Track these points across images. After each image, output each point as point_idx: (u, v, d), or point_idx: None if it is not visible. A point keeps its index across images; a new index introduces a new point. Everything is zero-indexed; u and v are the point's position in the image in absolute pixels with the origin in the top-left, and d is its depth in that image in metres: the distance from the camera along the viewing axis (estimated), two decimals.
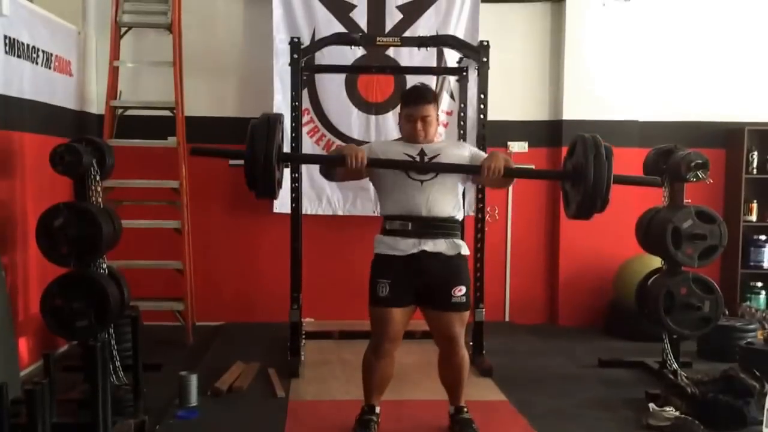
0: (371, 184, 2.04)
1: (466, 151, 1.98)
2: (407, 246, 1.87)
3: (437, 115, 1.99)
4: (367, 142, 3.49)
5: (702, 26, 3.53)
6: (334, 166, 1.96)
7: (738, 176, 3.50)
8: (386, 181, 1.92)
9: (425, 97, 1.94)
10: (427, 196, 1.86)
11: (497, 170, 1.82)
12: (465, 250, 1.94)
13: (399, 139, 2.04)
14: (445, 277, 1.88)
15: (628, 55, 3.47)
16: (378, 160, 1.89)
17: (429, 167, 1.86)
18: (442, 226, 1.88)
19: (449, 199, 1.89)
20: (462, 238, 2.00)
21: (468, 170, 1.93)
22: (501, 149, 3.46)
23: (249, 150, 1.82)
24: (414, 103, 1.93)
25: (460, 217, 1.95)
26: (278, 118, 1.89)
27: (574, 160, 1.96)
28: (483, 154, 1.99)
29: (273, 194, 1.91)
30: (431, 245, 1.86)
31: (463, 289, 1.90)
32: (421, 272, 1.88)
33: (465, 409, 2.01)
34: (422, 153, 1.89)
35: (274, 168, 1.83)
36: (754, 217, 3.53)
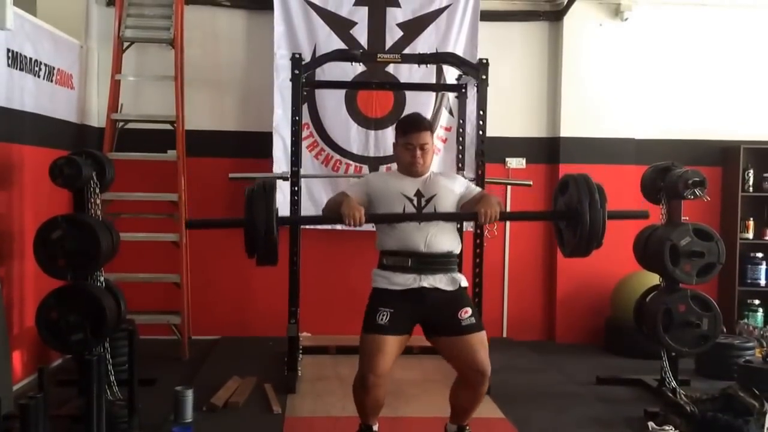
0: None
1: (459, 188, 1.95)
2: (406, 280, 1.85)
3: (433, 142, 1.99)
4: (365, 156, 3.57)
5: (698, 46, 3.59)
6: (332, 223, 1.97)
7: (734, 194, 3.53)
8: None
9: (423, 124, 1.94)
10: (425, 234, 1.85)
11: (493, 216, 1.81)
12: (464, 283, 1.92)
13: (395, 171, 2.01)
14: (447, 304, 1.85)
15: (625, 73, 3.52)
16: (376, 216, 1.89)
17: (425, 217, 1.86)
18: (441, 262, 1.87)
19: (448, 236, 1.89)
20: (460, 269, 1.98)
21: (465, 218, 1.94)
22: (499, 165, 3.51)
23: (248, 221, 1.82)
24: (412, 131, 1.91)
25: (458, 250, 1.92)
26: (273, 184, 1.89)
27: (567, 201, 1.95)
28: (475, 189, 1.98)
29: (274, 262, 1.90)
30: (430, 280, 1.85)
31: (469, 310, 1.86)
32: (422, 302, 1.85)
33: (467, 429, 1.96)
34: (419, 194, 1.88)
35: (275, 239, 1.83)
36: (750, 235, 3.55)
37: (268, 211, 1.81)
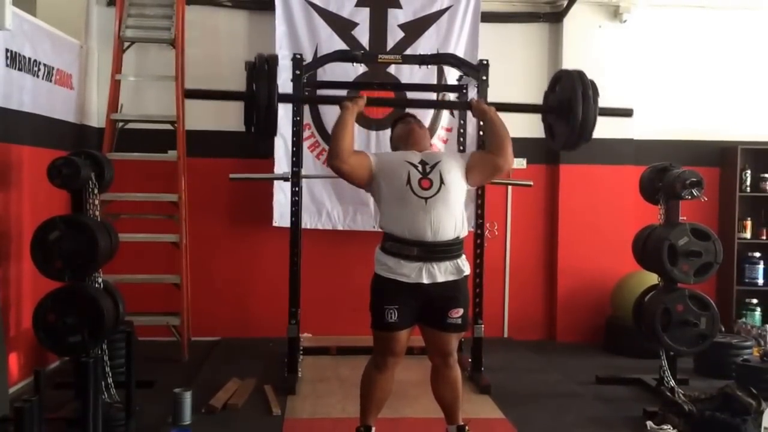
0: (371, 198, 2.05)
1: (461, 156, 2.06)
2: (411, 270, 1.84)
3: (429, 139, 2.08)
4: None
5: (696, 47, 3.62)
6: (335, 104, 2.00)
7: (732, 194, 3.55)
8: (389, 192, 1.88)
9: (415, 116, 2.09)
10: (431, 216, 1.83)
11: (485, 107, 1.95)
12: (467, 270, 1.92)
13: (397, 151, 2.03)
14: (445, 299, 1.87)
15: (623, 75, 3.53)
16: (375, 99, 1.96)
17: (418, 104, 1.98)
18: (448, 250, 1.87)
19: (455, 217, 1.88)
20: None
21: (457, 106, 1.97)
22: None
23: (249, 90, 1.80)
24: (405, 115, 2.08)
25: (464, 234, 1.92)
26: (276, 58, 1.90)
27: (560, 95, 2.00)
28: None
29: (273, 133, 1.91)
30: (436, 270, 1.85)
31: (461, 311, 1.89)
32: (424, 296, 1.87)
33: (466, 428, 1.98)
34: (423, 163, 1.90)
35: (275, 108, 1.82)
36: (748, 235, 3.58)
37: (269, 84, 1.78)
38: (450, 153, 2.11)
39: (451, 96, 3.37)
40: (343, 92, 3.37)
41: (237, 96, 1.90)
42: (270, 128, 1.88)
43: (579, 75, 2.02)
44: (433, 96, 3.35)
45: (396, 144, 2.04)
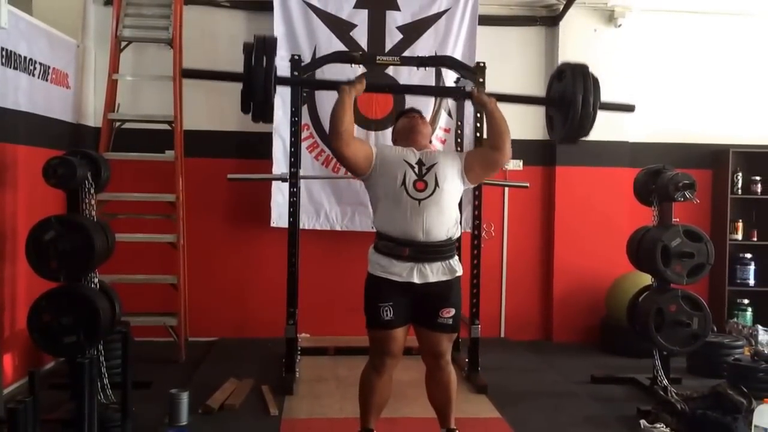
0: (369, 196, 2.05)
1: (458, 154, 2.05)
2: (402, 270, 1.85)
3: (431, 133, 2.10)
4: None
5: (689, 52, 3.66)
6: (333, 89, 2.00)
7: (724, 196, 3.60)
8: (383, 192, 1.89)
9: (419, 111, 2.10)
10: (424, 218, 1.84)
11: (487, 97, 1.95)
12: (460, 271, 1.92)
13: (397, 146, 2.04)
14: (436, 298, 1.87)
15: (618, 78, 3.57)
16: (374, 85, 1.96)
17: (416, 90, 1.98)
18: (440, 251, 1.87)
19: (447, 219, 1.88)
20: (459, 254, 2.02)
21: (451, 93, 2.00)
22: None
23: (247, 71, 1.79)
24: (409, 111, 2.09)
25: (458, 234, 1.93)
26: (274, 40, 1.89)
27: (562, 90, 2.02)
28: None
29: (270, 115, 1.91)
30: (428, 270, 1.86)
31: (452, 311, 1.88)
32: (416, 295, 1.88)
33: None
34: (421, 163, 1.89)
35: (272, 90, 1.82)
36: (739, 236, 3.63)
37: (267, 66, 1.78)
38: (448, 153, 2.07)
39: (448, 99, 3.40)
40: None
41: (235, 76, 1.88)
42: (266, 111, 1.87)
43: (581, 69, 2.02)
44: (430, 98, 3.37)
45: (397, 138, 2.05)
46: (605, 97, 3.80)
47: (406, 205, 1.85)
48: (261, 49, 1.83)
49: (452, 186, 1.90)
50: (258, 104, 1.85)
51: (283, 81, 2.19)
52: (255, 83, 1.80)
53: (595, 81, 2.00)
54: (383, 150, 1.97)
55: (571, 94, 1.97)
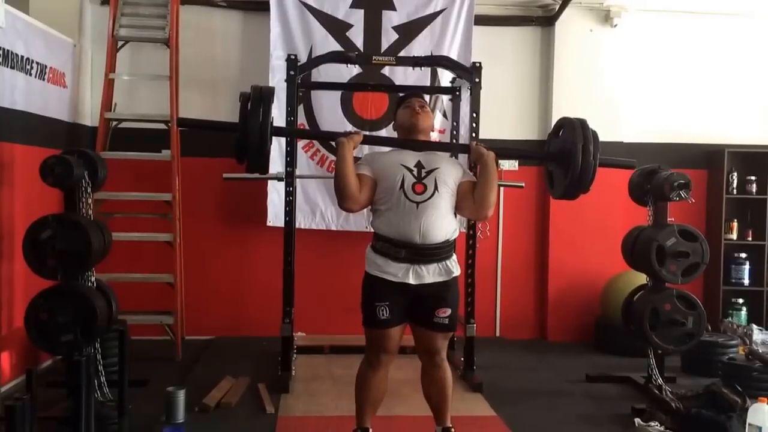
0: None
1: (460, 170, 1.98)
2: (398, 270, 1.85)
3: (432, 120, 2.06)
4: (361, 157, 3.56)
5: (685, 52, 3.68)
6: (330, 139, 1.99)
7: (719, 196, 3.61)
8: (381, 194, 1.88)
9: (420, 94, 2.07)
10: (422, 221, 1.83)
11: (486, 151, 1.91)
12: (457, 271, 1.92)
13: (393, 150, 2.03)
14: (433, 298, 1.88)
15: (614, 78, 3.59)
16: (370, 137, 1.92)
17: (421, 146, 1.89)
18: (436, 252, 1.86)
19: (444, 222, 1.87)
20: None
21: (458, 149, 1.97)
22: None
23: (242, 125, 1.77)
24: (410, 96, 2.04)
25: (454, 236, 1.92)
26: (271, 92, 1.86)
27: (561, 144, 2.00)
28: (470, 175, 2.02)
29: (265, 169, 1.89)
30: (424, 271, 1.85)
31: (448, 311, 1.89)
32: (412, 295, 1.88)
33: (452, 430, 1.98)
34: (420, 165, 1.88)
35: (268, 145, 1.80)
36: (734, 236, 3.65)
37: (263, 118, 1.75)
38: (452, 161, 2.01)
39: (445, 98, 3.41)
40: (337, 93, 3.41)
41: (230, 127, 1.86)
42: (262, 165, 1.85)
43: (581, 125, 1.99)
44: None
45: (398, 132, 2.04)
46: (602, 97, 3.85)
47: (404, 207, 1.85)
48: (257, 100, 1.81)
49: (451, 191, 1.90)
50: (253, 160, 1.83)
51: (279, 133, 2.13)
52: (251, 136, 1.77)
53: (595, 136, 1.98)
54: (375, 161, 1.95)
55: (570, 144, 1.95)
